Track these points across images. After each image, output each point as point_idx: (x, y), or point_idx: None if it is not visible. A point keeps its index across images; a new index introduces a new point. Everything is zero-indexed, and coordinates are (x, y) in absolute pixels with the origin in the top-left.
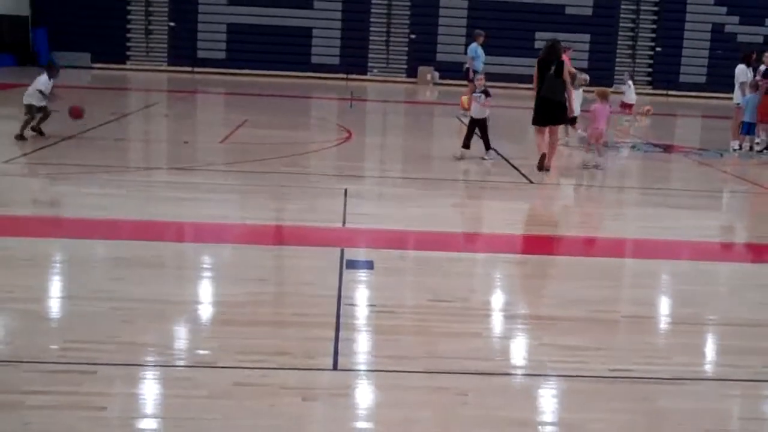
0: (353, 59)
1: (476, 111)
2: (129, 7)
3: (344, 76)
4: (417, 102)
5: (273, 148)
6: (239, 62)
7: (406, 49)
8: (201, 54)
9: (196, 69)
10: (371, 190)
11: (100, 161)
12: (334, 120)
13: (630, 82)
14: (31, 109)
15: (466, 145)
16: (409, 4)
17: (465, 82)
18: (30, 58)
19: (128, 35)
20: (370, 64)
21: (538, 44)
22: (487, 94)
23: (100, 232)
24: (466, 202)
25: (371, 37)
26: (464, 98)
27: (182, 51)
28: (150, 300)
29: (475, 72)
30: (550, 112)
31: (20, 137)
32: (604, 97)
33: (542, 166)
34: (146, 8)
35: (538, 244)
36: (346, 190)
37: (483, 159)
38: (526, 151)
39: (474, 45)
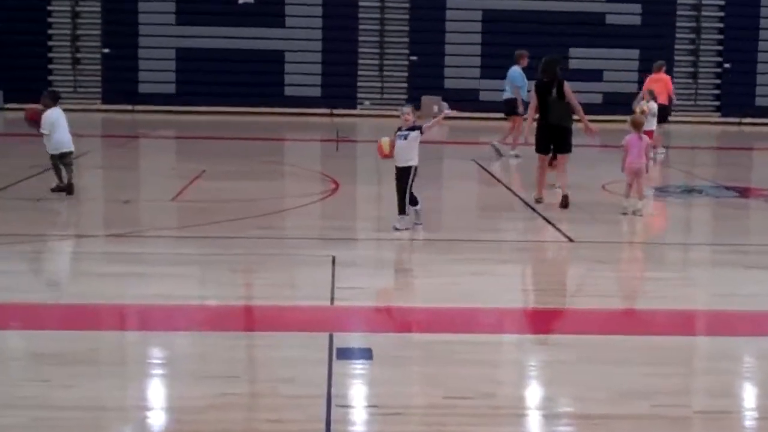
0: (338, 89)
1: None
2: (50, 31)
3: (328, 111)
4: (421, 142)
5: (239, 206)
6: (193, 97)
7: (405, 74)
8: (143, 88)
9: (138, 107)
10: (366, 257)
11: (13, 228)
12: (316, 167)
13: (652, 102)
14: (52, 159)
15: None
16: (407, 17)
17: (505, 117)
18: None
19: (50, 66)
20: (359, 95)
21: (573, 64)
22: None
23: (15, 320)
24: (490, 269)
25: (360, 61)
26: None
27: (120, 85)
28: (83, 407)
29: (524, 102)
30: (556, 138)
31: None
32: (637, 126)
33: (540, 199)
34: (72, 31)
35: (582, 321)
36: (333, 258)
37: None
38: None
39: (516, 69)
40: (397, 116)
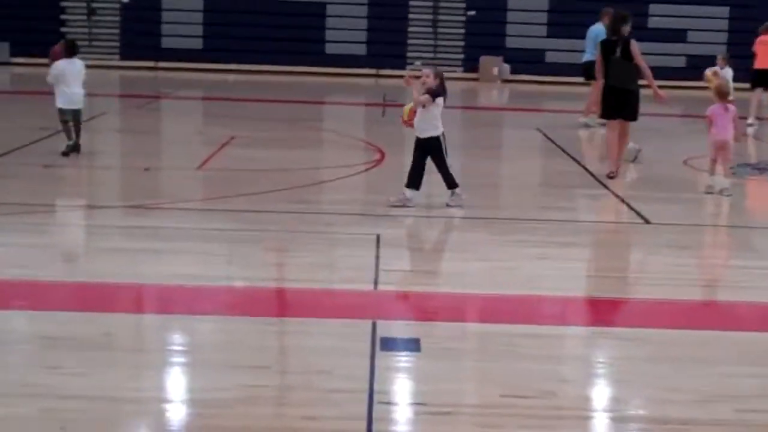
0: (386, 47)
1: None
2: None
3: (374, 71)
4: (479, 107)
5: (272, 177)
6: (221, 53)
7: (462, 32)
8: (167, 42)
9: (161, 64)
10: (415, 236)
11: (22, 197)
12: (359, 134)
13: (727, 68)
14: (62, 113)
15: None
16: None
17: (585, 81)
18: None
19: (62, 17)
20: (409, 54)
21: (653, 22)
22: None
23: (21, 299)
24: (553, 253)
25: (411, 15)
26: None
27: (141, 39)
28: (97, 397)
29: None
30: (620, 102)
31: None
32: (723, 95)
33: (613, 174)
34: None
35: (658, 313)
36: (378, 237)
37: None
38: (646, 181)
39: (600, 27)
40: (453, 79)
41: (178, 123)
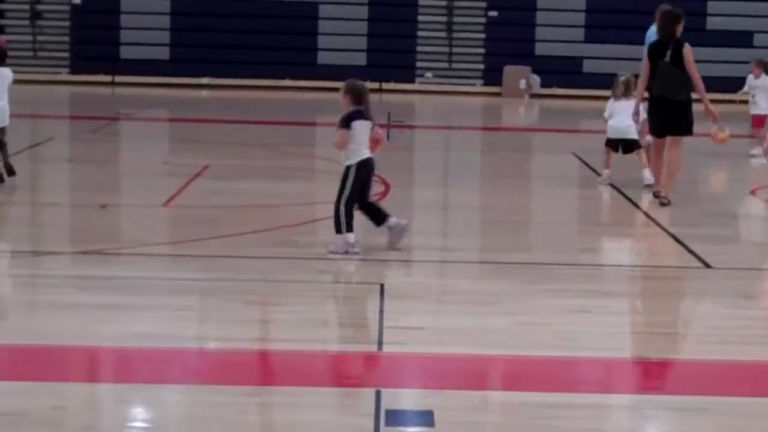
0: (390, 56)
1: None
2: None
3: (376, 85)
4: (502, 128)
5: (254, 215)
6: (193, 65)
7: (483, 36)
8: (127, 52)
9: (120, 78)
10: (426, 285)
11: None
12: None
13: (764, 76)
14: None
15: None
16: None
17: None
18: None
19: (0, 22)
20: (419, 65)
21: (712, 23)
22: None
23: None
24: (594, 305)
25: (421, 17)
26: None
27: (95, 48)
28: None
29: None
30: (666, 116)
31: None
32: None
33: (659, 194)
34: None
35: (723, 377)
36: (382, 287)
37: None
38: (705, 215)
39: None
40: (472, 93)
41: (141, 150)
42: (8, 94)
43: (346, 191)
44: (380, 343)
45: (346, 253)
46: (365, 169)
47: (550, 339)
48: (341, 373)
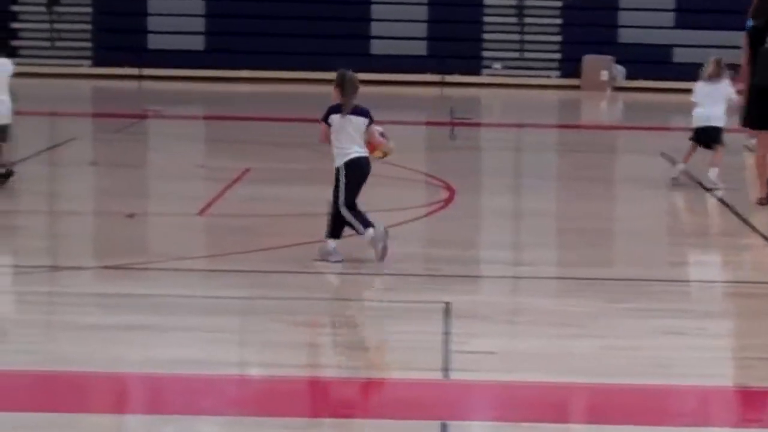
0: (454, 45)
1: None
2: None
3: (438, 78)
4: (582, 125)
5: (299, 225)
6: (230, 56)
7: (559, 23)
8: (155, 42)
9: (147, 71)
10: (497, 304)
11: None
12: (419, 165)
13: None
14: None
15: None
16: None
17: None
18: None
19: (14, 8)
20: (486, 54)
21: None
22: None
23: None
24: (688, 326)
25: (487, 1)
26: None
27: (120, 37)
28: None
29: None
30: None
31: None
32: None
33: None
34: None
35: None
36: (447, 306)
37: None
38: None
39: None
40: (547, 86)
41: (172, 152)
42: (8, 87)
43: (341, 195)
44: (446, 370)
45: (326, 261)
46: (355, 168)
47: (640, 365)
48: (401, 403)
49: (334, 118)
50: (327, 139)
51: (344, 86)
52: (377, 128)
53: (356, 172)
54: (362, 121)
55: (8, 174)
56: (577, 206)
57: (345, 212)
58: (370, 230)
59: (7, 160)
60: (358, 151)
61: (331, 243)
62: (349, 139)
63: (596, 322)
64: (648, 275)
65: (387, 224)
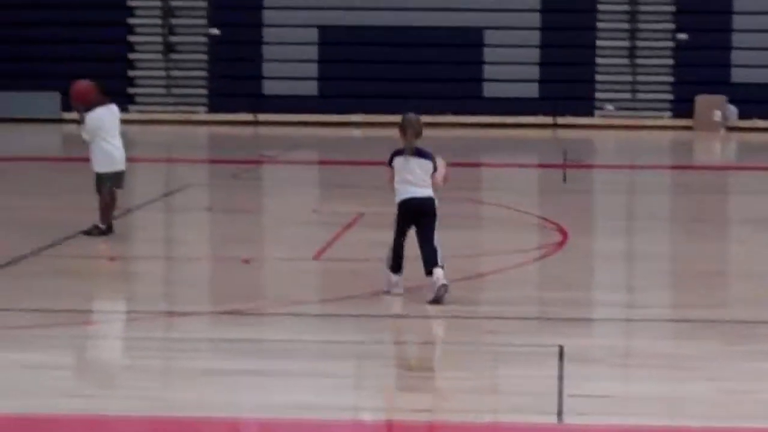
0: (566, 86)
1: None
2: (131, 2)
3: (550, 120)
4: (695, 166)
5: (413, 269)
6: (344, 100)
7: (671, 63)
8: (271, 87)
9: (263, 116)
10: (611, 347)
11: (78, 301)
12: (531, 207)
13: None
14: (103, 181)
15: None
16: None
17: None
18: None
19: (131, 56)
20: (598, 96)
21: None
22: None
23: None
24: None
25: (599, 42)
26: None
27: (236, 84)
28: None
29: None
30: None
31: (101, 229)
32: None
33: None
34: (164, 3)
35: None
36: (561, 349)
37: None
38: None
39: None
40: (659, 127)
41: (287, 197)
42: (119, 132)
43: (393, 231)
44: (560, 414)
45: (388, 292)
46: (405, 209)
47: (756, 408)
48: None
49: (398, 161)
50: (389, 183)
51: (405, 129)
52: (440, 171)
53: (407, 211)
54: (424, 162)
55: (108, 231)
56: (691, 248)
57: (391, 247)
58: (393, 276)
59: (110, 217)
60: (413, 191)
61: (393, 276)
62: (404, 180)
63: (711, 365)
64: (764, 317)
65: (501, 267)
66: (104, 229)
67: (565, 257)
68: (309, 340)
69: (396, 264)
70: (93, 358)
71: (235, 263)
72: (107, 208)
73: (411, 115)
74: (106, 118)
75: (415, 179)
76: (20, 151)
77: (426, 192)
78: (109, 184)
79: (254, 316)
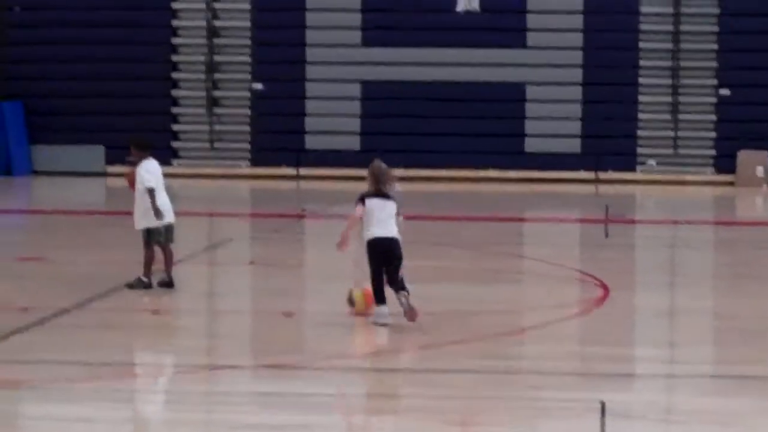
0: (608, 142)
1: None
2: (175, 57)
3: (591, 175)
4: (738, 222)
5: (455, 322)
6: (386, 156)
7: (713, 118)
8: (313, 142)
9: (305, 171)
10: (653, 403)
11: (122, 354)
12: (572, 263)
13: None
14: (151, 236)
15: None
16: (715, 29)
17: None
18: None
19: (174, 110)
20: (641, 150)
21: None
22: None
23: None
24: None
25: (642, 98)
26: None
27: (278, 138)
28: None
29: None
30: None
31: (145, 283)
32: None
33: None
34: (208, 58)
35: None
36: (603, 405)
37: None
38: None
39: None
40: (701, 183)
41: (329, 251)
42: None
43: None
44: None
45: (375, 323)
46: (374, 247)
47: None
48: None
49: (367, 202)
50: (352, 223)
51: (376, 176)
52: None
53: (375, 249)
54: (383, 202)
55: (169, 283)
56: (733, 303)
57: (372, 284)
58: (382, 308)
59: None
60: (378, 231)
61: (382, 308)
62: (371, 221)
63: (756, 422)
64: None
65: (542, 322)
66: (147, 283)
67: (606, 312)
68: (351, 393)
69: (381, 296)
70: (136, 412)
71: (277, 317)
72: (151, 261)
73: (375, 162)
74: (159, 171)
75: (376, 221)
76: (65, 205)
77: (387, 232)
78: (160, 238)
79: (296, 369)
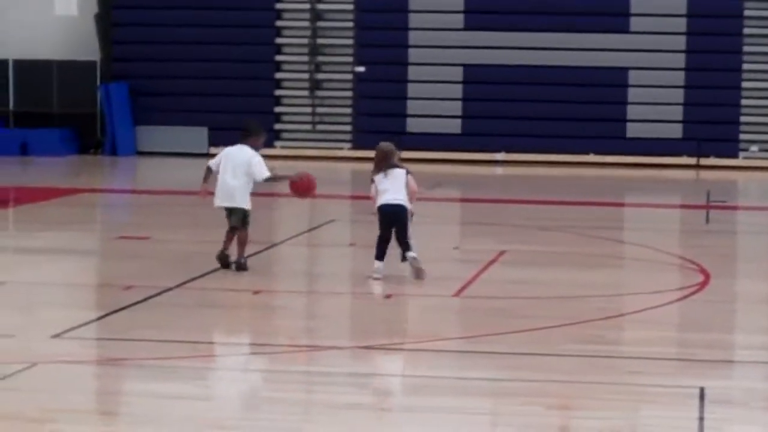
0: (710, 127)
1: None
2: (279, 40)
3: (693, 161)
4: None
5: (553, 307)
6: (488, 139)
7: None
8: (415, 125)
9: (406, 153)
10: (753, 390)
11: (221, 334)
12: (672, 248)
13: None
14: (244, 218)
15: None
16: None
17: None
18: (91, 133)
19: (276, 92)
20: (743, 137)
21: None
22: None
23: None
24: None
25: (745, 84)
26: None
27: (380, 121)
28: None
29: None
30: None
31: (240, 265)
32: None
33: None
34: (311, 41)
35: None
36: (702, 391)
37: None
38: None
39: None
40: None
41: (429, 233)
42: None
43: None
44: None
45: (369, 277)
46: (381, 212)
47: None
48: None
49: (377, 177)
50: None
51: (383, 154)
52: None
53: (383, 214)
54: (394, 171)
55: (242, 265)
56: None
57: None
58: (377, 263)
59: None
60: (386, 197)
61: (376, 263)
62: (380, 190)
63: None
64: None
65: (642, 307)
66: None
67: (706, 298)
68: (447, 376)
69: (380, 253)
70: (234, 390)
71: (377, 299)
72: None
73: (383, 144)
74: (229, 154)
75: (384, 190)
76: (168, 185)
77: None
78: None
79: (394, 351)
